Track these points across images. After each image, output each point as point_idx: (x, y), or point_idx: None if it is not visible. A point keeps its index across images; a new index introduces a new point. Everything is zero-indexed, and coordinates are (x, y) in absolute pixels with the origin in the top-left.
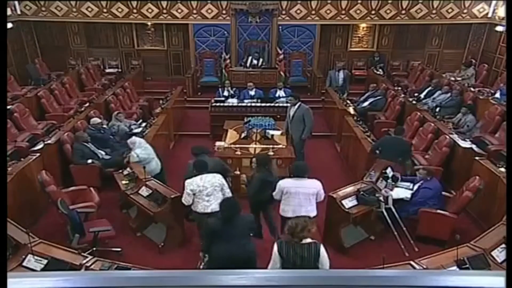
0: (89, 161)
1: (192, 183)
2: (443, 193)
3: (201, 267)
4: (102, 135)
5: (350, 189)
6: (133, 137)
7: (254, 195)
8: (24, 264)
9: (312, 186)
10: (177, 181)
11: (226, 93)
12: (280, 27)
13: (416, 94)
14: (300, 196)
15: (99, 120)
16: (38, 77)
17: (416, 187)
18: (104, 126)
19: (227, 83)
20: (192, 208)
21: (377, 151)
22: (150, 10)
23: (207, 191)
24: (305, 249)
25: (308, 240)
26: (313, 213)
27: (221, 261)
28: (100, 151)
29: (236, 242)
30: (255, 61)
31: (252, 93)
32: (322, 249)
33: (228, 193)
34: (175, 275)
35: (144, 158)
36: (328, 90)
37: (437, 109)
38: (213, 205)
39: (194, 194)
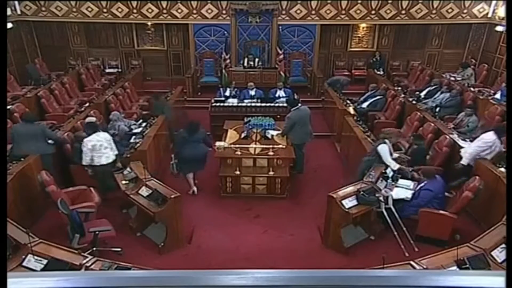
0: None
1: (92, 140)
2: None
3: (172, 162)
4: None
5: (350, 189)
6: None
7: None
8: (24, 264)
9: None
10: (178, 180)
11: (227, 93)
12: (280, 27)
13: (417, 93)
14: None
15: (93, 119)
16: (38, 77)
17: (417, 187)
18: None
19: (232, 84)
20: (91, 163)
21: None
22: (150, 10)
23: (104, 145)
24: (377, 144)
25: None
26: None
27: (186, 158)
28: None
29: (195, 146)
30: (251, 63)
31: (252, 93)
32: (382, 146)
33: (114, 148)
34: (175, 275)
35: None
36: (328, 90)
37: (437, 109)
38: (111, 156)
39: (93, 150)
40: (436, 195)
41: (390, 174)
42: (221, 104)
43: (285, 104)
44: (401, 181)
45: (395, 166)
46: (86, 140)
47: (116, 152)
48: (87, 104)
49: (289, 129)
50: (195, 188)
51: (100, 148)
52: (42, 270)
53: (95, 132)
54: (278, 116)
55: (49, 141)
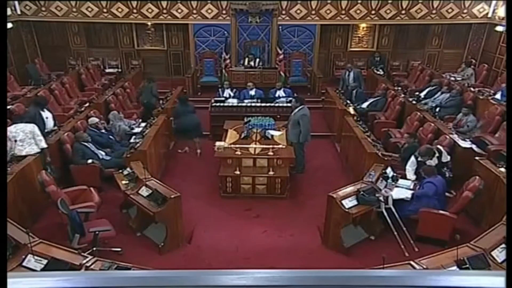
0: (89, 161)
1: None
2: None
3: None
4: (101, 136)
5: (350, 189)
6: None
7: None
8: (24, 264)
9: None
10: (178, 180)
11: (226, 95)
12: (280, 27)
13: (417, 93)
14: None
15: (96, 120)
16: (38, 77)
17: (419, 185)
18: (105, 127)
19: (226, 83)
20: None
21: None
22: (150, 10)
23: (19, 137)
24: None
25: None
26: None
27: (182, 126)
28: (100, 151)
29: (189, 116)
30: (251, 63)
31: (252, 93)
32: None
33: (40, 140)
34: (175, 275)
35: None
36: (328, 90)
37: (437, 109)
38: (27, 149)
39: (9, 140)
40: (437, 190)
41: (390, 174)
42: (221, 104)
43: (285, 104)
44: (401, 181)
45: (410, 177)
46: None
47: (44, 146)
48: (87, 104)
49: (308, 126)
50: (187, 148)
51: (12, 139)
52: (42, 270)
53: (16, 123)
54: (278, 116)
55: None
